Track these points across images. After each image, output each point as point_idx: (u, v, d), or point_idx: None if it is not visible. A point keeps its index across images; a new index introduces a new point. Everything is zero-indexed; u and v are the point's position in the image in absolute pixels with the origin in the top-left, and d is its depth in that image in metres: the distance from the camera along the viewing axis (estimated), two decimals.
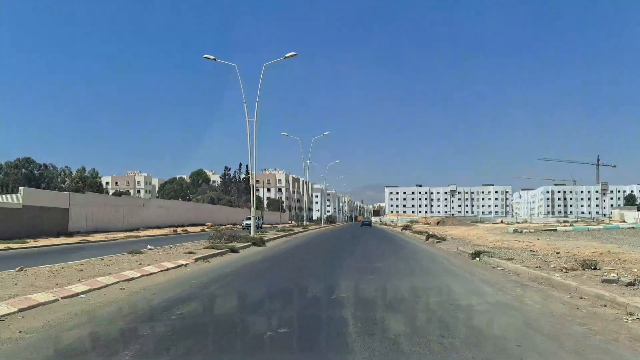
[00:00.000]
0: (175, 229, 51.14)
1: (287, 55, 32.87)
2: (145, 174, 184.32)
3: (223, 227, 50.01)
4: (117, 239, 34.08)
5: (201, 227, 56.64)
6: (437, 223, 75.02)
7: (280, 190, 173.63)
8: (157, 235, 40.60)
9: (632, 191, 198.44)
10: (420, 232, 39.59)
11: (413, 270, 13.92)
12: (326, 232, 53.45)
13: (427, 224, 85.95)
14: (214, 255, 16.95)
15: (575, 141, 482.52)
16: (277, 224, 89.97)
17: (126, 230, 45.81)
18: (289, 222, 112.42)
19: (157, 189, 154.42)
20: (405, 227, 57.42)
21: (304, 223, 76.24)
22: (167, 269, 12.91)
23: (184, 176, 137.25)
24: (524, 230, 37.80)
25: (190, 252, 16.87)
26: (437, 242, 27.21)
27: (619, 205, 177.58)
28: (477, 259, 17.05)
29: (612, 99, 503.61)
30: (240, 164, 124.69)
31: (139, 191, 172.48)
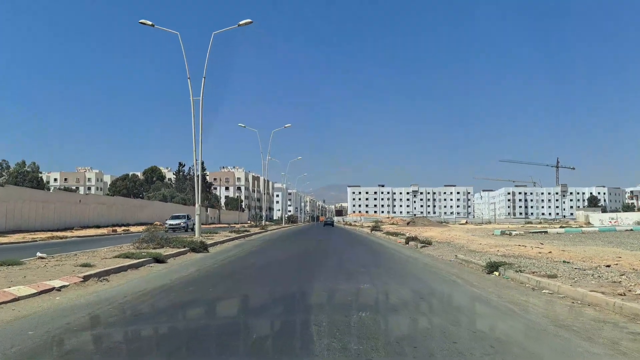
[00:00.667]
0: (115, 228, 45.21)
1: (240, 23, 27.45)
2: (97, 171, 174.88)
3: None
4: (36, 240, 28.52)
5: (147, 227, 50.61)
6: (407, 223, 70.38)
7: (239, 189, 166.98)
8: (90, 236, 34.79)
9: (591, 193, 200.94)
10: (394, 234, 34.78)
11: (422, 296, 8.89)
12: (287, 233, 47.97)
13: (393, 224, 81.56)
14: (123, 269, 11.50)
15: (535, 143, 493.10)
16: (235, 223, 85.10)
17: (58, 230, 40.01)
18: (248, 221, 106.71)
19: (108, 186, 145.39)
20: (374, 228, 52.68)
21: (263, 223, 70.66)
22: (15, 299, 7.52)
23: (137, 173, 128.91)
24: (514, 233, 33.39)
25: (87, 265, 11.37)
26: (422, 246, 22.32)
27: (579, 206, 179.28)
28: (497, 273, 12.30)
29: (571, 103, 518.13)
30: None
31: (89, 188, 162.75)
